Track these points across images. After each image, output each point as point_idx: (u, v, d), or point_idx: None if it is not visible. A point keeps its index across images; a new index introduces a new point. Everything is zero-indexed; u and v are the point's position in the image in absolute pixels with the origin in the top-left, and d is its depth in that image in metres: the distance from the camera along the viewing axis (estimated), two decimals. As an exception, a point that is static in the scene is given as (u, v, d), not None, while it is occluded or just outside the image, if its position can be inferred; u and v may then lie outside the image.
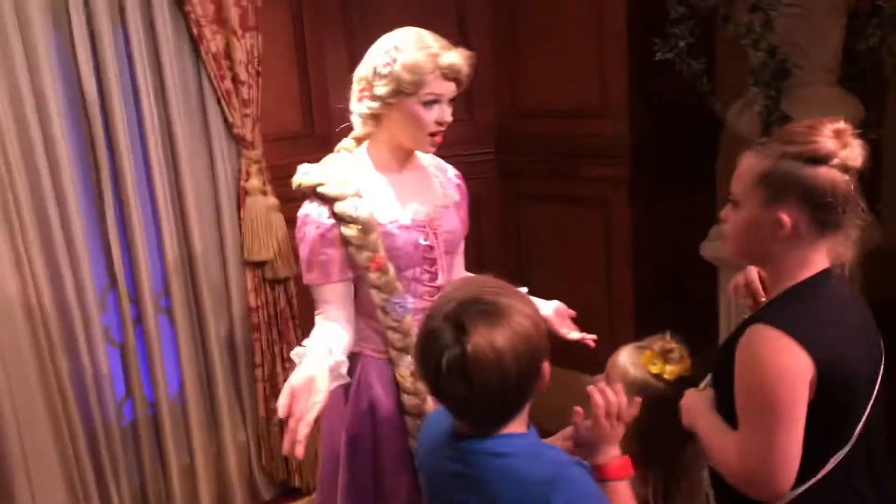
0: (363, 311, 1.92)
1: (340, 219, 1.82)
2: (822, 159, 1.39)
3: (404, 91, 1.79)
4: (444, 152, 3.58)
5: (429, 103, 1.80)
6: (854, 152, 1.41)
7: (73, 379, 2.69)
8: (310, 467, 3.23)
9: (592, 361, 3.51)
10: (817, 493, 1.41)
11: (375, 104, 1.83)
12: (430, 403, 1.89)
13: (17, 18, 2.44)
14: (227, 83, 2.88)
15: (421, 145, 1.91)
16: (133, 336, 2.85)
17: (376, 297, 1.87)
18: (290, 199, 2.96)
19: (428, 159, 2.04)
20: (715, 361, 1.57)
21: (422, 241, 1.91)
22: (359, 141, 1.99)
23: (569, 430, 1.55)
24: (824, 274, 1.44)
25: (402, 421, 1.92)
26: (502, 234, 3.69)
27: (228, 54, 2.85)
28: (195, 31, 2.78)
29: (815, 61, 2.74)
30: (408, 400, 1.90)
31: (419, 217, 1.92)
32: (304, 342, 1.80)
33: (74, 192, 2.63)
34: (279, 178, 3.13)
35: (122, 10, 2.68)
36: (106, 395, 2.78)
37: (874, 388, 1.45)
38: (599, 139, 3.24)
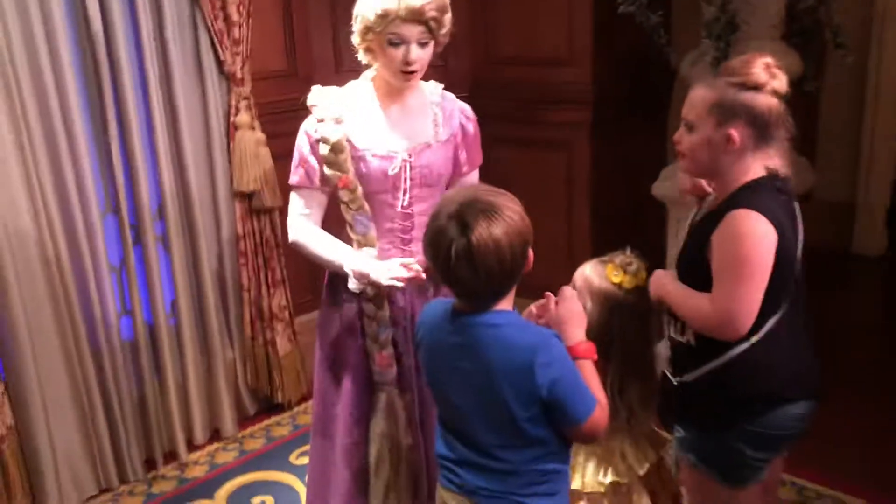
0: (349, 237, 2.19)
1: (321, 139, 2.11)
2: (758, 86, 1.74)
3: (372, 29, 2.01)
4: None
5: (394, 44, 2.01)
6: (781, 81, 1.76)
7: (78, 294, 2.88)
8: (291, 384, 3.50)
9: (555, 292, 3.82)
10: (764, 345, 1.76)
11: (357, 40, 2.09)
12: (386, 310, 2.18)
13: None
14: (220, 23, 3.06)
15: (396, 80, 2.10)
16: (133, 258, 3.04)
17: (345, 212, 2.16)
18: (277, 135, 3.18)
19: (436, 96, 2.24)
20: (679, 256, 1.91)
21: (390, 171, 2.13)
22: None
23: (534, 306, 1.83)
24: (770, 176, 1.78)
25: (360, 322, 2.22)
26: (472, 174, 3.94)
27: (221, -6, 3.03)
28: (191, -28, 2.96)
29: (762, 17, 3.02)
30: (366, 306, 2.19)
31: (396, 148, 2.14)
32: (334, 251, 2.15)
33: (81, 123, 2.79)
34: (265, 114, 3.34)
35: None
36: (108, 310, 2.97)
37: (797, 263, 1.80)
38: (564, 86, 3.50)
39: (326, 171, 2.11)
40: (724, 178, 1.82)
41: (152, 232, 3.08)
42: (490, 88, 3.78)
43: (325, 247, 2.16)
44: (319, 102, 2.13)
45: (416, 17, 1.98)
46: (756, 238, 1.69)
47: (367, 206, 2.14)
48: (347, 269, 2.09)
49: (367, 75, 2.20)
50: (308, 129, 2.15)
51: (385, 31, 2.00)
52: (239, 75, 3.17)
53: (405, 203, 2.17)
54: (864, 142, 5.13)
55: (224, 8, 3.06)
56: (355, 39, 2.10)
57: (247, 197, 3.28)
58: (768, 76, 1.73)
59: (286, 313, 3.46)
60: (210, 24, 3.05)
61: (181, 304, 3.19)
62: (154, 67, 2.96)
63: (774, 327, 1.76)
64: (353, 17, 2.09)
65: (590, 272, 2.05)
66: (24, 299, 2.72)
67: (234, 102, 3.20)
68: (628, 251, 2.04)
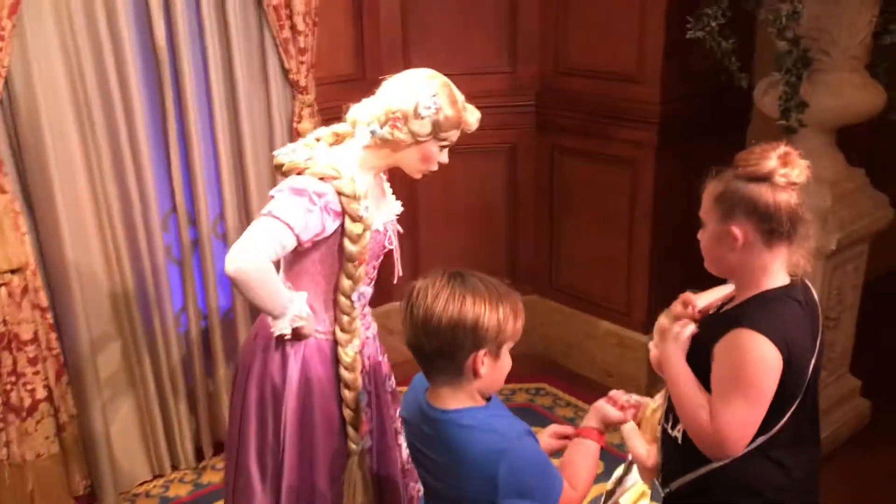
0: (314, 294, 2.10)
1: (349, 214, 2.01)
2: (763, 177, 1.59)
3: (437, 137, 2.03)
4: (485, 102, 3.78)
5: (443, 148, 2.09)
6: (796, 171, 1.60)
7: (137, 290, 3.03)
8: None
9: (607, 308, 3.76)
10: (738, 465, 1.66)
11: (405, 136, 2.01)
12: (360, 379, 2.15)
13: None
14: (286, 32, 3.10)
15: (414, 174, 2.16)
16: (191, 255, 3.18)
17: (347, 285, 2.08)
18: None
19: None
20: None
21: (387, 245, 2.18)
22: (338, 139, 2.17)
23: (559, 428, 1.83)
24: (786, 287, 1.66)
25: (337, 392, 2.15)
26: (536, 183, 3.90)
27: (288, 5, 3.06)
28: (258, -18, 3.01)
29: (842, 48, 2.84)
30: (346, 375, 2.13)
31: (386, 222, 2.18)
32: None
33: (144, 126, 2.90)
34: (329, 119, 3.38)
35: (191, -37, 2.91)
36: (165, 305, 3.12)
37: (808, 376, 1.67)
38: (633, 103, 3.39)
39: (349, 246, 2.03)
40: (741, 278, 1.70)
41: (211, 230, 3.20)
42: (556, 98, 3.71)
43: (279, 284, 2.03)
44: (341, 174, 2.00)
45: (472, 130, 2.10)
46: (760, 365, 1.57)
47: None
48: (296, 309, 2.01)
49: (359, 144, 2.09)
50: (329, 196, 1.98)
51: (445, 139, 2.06)
52: (303, 83, 3.22)
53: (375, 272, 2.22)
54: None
55: (290, 17, 3.09)
56: (399, 136, 2.01)
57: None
58: (779, 164, 1.58)
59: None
60: (276, 34, 3.10)
61: (237, 300, 3.31)
62: (218, 74, 3.04)
63: (768, 442, 1.66)
64: (397, 109, 2.00)
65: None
66: (85, 298, 2.89)
67: (297, 110, 3.25)
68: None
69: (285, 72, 3.20)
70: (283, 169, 2.06)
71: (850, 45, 2.86)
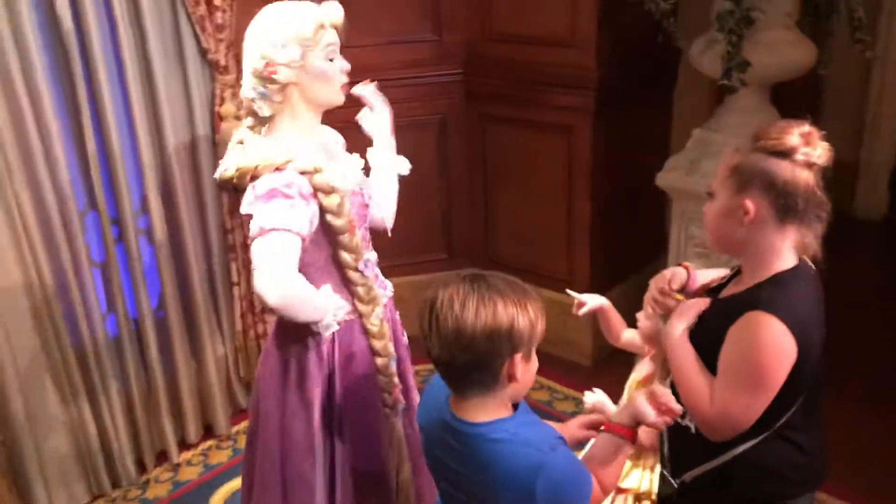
0: (327, 277, 2.02)
1: (320, 189, 1.89)
2: (785, 153, 1.54)
3: (310, 49, 1.89)
4: (411, 73, 3.66)
5: (331, 59, 1.93)
6: (817, 151, 1.54)
7: (59, 295, 2.78)
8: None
9: (548, 277, 3.73)
10: (759, 448, 1.64)
11: (289, 75, 1.89)
12: (391, 344, 2.11)
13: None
14: (202, 9, 2.88)
15: (334, 100, 1.99)
16: (115, 255, 2.94)
17: (349, 259, 2.00)
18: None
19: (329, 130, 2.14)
20: (699, 323, 1.71)
21: (367, 202, 2.07)
22: (261, 124, 2.02)
23: (586, 418, 1.75)
24: (796, 269, 1.61)
25: (373, 361, 2.10)
26: (467, 153, 3.80)
27: (202, -22, 2.83)
28: (169, -45, 2.76)
29: (776, 5, 2.85)
30: (376, 344, 2.08)
31: (357, 180, 2.06)
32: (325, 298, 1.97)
33: (54, 117, 2.64)
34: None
35: (95, -66, 2.64)
36: (93, 311, 2.87)
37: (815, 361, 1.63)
38: (566, 69, 3.32)
39: (334, 221, 1.93)
40: (749, 257, 1.65)
41: (135, 227, 2.97)
42: (485, 66, 3.61)
43: (314, 289, 1.95)
44: (293, 156, 1.87)
45: (340, 23, 1.97)
46: (774, 353, 1.53)
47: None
48: (333, 304, 1.97)
49: (275, 116, 1.97)
50: (295, 182, 1.86)
51: (323, 44, 1.91)
52: (223, 63, 3.00)
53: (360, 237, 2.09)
54: (871, 101, 5.00)
55: (205, -9, 2.87)
56: (287, 73, 1.89)
57: (233, 189, 3.13)
58: (802, 142, 1.53)
59: (278, 305, 3.37)
60: (190, 11, 2.87)
61: (168, 300, 3.09)
62: (131, 56, 2.79)
63: (784, 425, 1.63)
64: (260, 58, 1.88)
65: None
66: (2, 312, 2.62)
67: (218, 91, 3.03)
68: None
69: (203, 51, 2.97)
70: (234, 181, 1.93)
71: (784, 1, 2.87)
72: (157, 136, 2.95)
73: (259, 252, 1.79)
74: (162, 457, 3.14)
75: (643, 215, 3.78)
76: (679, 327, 1.69)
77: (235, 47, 3.03)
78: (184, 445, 3.22)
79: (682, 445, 1.78)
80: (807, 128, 1.56)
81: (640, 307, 2.24)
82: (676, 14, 2.95)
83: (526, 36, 3.43)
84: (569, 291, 2.14)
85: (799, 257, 1.63)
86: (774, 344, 1.53)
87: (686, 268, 1.86)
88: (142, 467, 3.09)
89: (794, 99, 3.66)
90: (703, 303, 1.71)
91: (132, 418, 3.06)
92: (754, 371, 1.55)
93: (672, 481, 1.80)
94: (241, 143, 1.99)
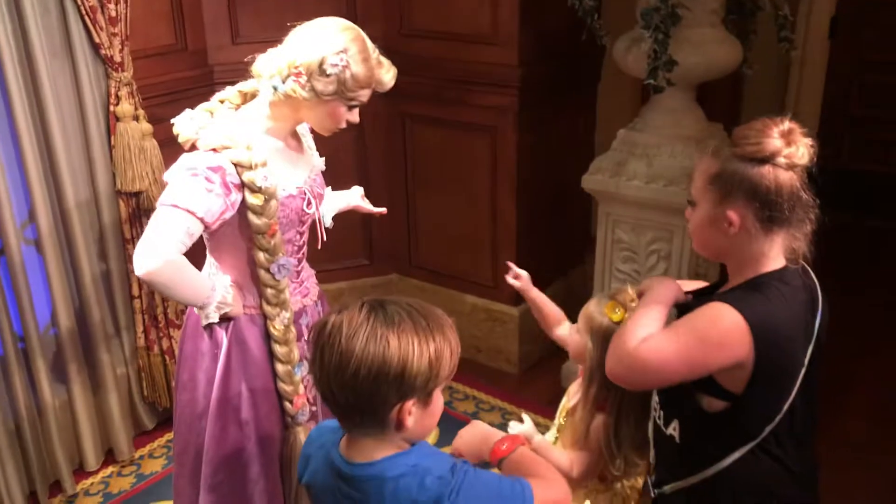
0: (238, 270, 2.01)
1: (247, 186, 1.86)
2: (765, 159, 1.45)
3: (343, 96, 1.86)
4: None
5: (353, 107, 1.93)
6: (800, 151, 1.46)
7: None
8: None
9: (473, 282, 3.58)
10: (745, 462, 1.54)
11: (306, 94, 1.85)
12: (297, 351, 2.07)
13: None
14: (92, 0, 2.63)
15: (321, 132, 2.01)
16: (-3, 268, 2.68)
17: (262, 258, 1.96)
18: (163, 120, 2.80)
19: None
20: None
21: (305, 209, 2.01)
22: (246, 98, 2.03)
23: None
24: (779, 271, 1.52)
25: (272, 367, 2.06)
26: (387, 154, 3.64)
27: (91, -34, 2.59)
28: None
29: (702, 3, 2.77)
30: (278, 349, 2.03)
31: (302, 184, 2.02)
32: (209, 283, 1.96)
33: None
34: (150, 97, 2.95)
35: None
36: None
37: (804, 366, 1.53)
38: (488, 66, 3.19)
39: (254, 219, 1.89)
40: (734, 263, 1.57)
41: (19, 236, 2.71)
42: (403, 63, 3.40)
43: (197, 274, 1.94)
44: (234, 144, 1.85)
45: (384, 91, 1.98)
46: (714, 320, 1.45)
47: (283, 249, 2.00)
48: (220, 296, 1.95)
49: (264, 101, 1.94)
50: (227, 168, 1.84)
51: (354, 98, 1.90)
52: (118, 59, 2.76)
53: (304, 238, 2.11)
54: (790, 101, 5.02)
55: (95, -19, 2.63)
56: (302, 93, 1.84)
57: (132, 196, 2.91)
58: (783, 144, 1.45)
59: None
60: (80, 2, 2.62)
61: (59, 317, 2.84)
62: (11, 50, 2.54)
63: (769, 439, 1.53)
64: (300, 63, 1.83)
65: (592, 308, 1.87)
66: None
67: (113, 90, 2.79)
68: (629, 288, 1.82)
69: (95, 47, 2.72)
70: (180, 141, 1.91)
71: (709, -1, 2.80)
72: (44, 140, 2.69)
73: (152, 221, 1.81)
74: (56, 487, 2.88)
75: (570, 217, 3.68)
76: (664, 285, 1.64)
77: (131, 42, 2.80)
78: (82, 473, 2.97)
79: (665, 456, 1.68)
80: (787, 125, 1.47)
81: (566, 311, 2.14)
82: (600, 11, 2.85)
83: (446, 32, 3.28)
84: (509, 263, 2.16)
85: (790, 260, 1.54)
86: (718, 315, 1.46)
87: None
88: (34, 500, 2.83)
89: (715, 99, 3.62)
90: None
91: (23, 449, 2.80)
92: (687, 327, 1.48)
93: (652, 491, 1.71)
94: (221, 102, 2.00)
